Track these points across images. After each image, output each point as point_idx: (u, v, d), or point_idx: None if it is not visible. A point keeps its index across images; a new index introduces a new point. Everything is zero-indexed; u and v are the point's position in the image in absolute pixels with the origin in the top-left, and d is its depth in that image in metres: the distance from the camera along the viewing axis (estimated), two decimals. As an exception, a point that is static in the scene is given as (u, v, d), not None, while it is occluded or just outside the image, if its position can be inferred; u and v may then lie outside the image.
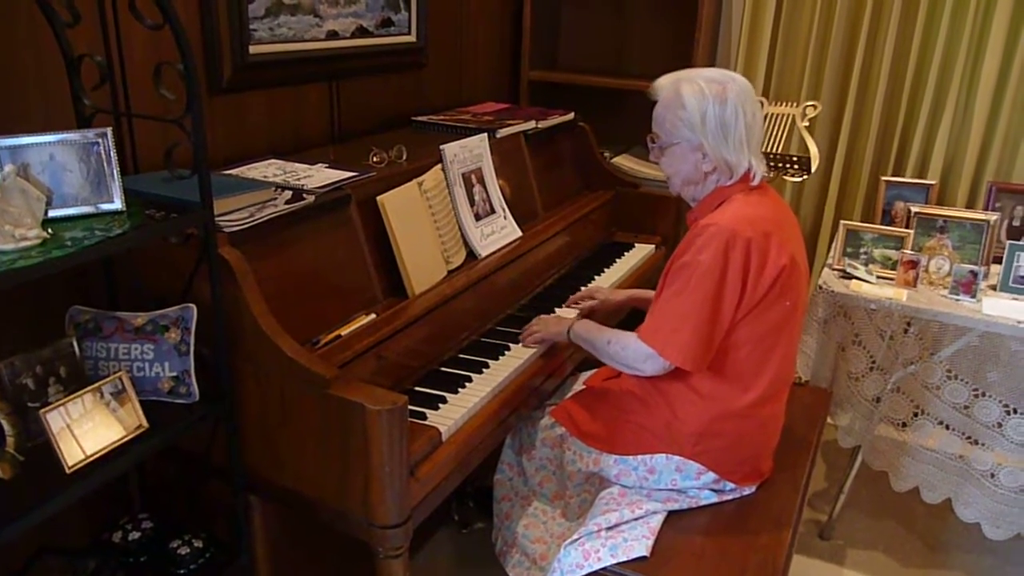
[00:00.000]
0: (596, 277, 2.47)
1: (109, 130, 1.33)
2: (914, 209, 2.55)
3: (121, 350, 1.46)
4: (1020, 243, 2.36)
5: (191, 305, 1.47)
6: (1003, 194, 2.65)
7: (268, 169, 1.90)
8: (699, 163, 1.72)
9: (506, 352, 1.96)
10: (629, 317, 2.32)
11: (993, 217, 2.45)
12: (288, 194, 1.71)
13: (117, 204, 1.36)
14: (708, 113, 1.66)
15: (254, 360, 1.50)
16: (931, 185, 2.73)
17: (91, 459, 1.31)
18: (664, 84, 1.74)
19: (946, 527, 2.64)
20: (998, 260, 2.40)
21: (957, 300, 2.29)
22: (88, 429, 1.33)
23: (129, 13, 1.34)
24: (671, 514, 1.75)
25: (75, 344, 1.41)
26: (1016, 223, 2.62)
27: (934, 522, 2.66)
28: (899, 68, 2.95)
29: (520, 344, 1.99)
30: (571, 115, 2.83)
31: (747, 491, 1.83)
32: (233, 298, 1.47)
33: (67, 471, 1.28)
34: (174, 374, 1.48)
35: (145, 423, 1.40)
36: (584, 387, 2.01)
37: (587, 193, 2.86)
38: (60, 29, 1.39)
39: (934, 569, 2.48)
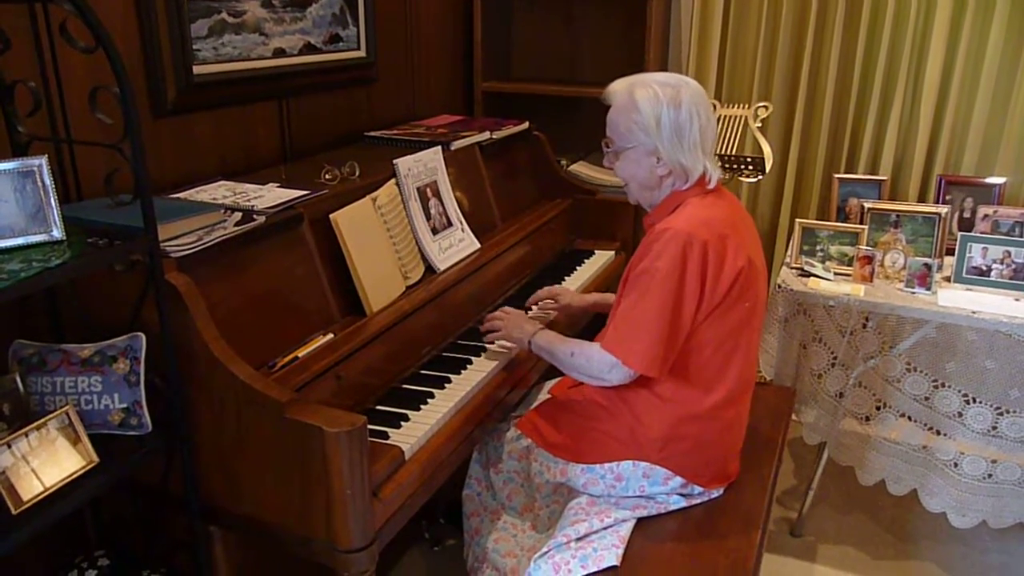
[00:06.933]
0: (557, 285, 2.45)
1: (44, 158, 1.30)
2: (867, 205, 2.59)
3: (68, 383, 1.42)
4: (971, 234, 2.40)
5: (139, 334, 1.43)
6: (952, 187, 2.70)
7: (218, 191, 1.86)
8: (654, 167, 1.72)
9: (468, 366, 1.94)
10: (591, 324, 2.32)
11: (944, 210, 2.50)
12: (238, 215, 1.67)
13: (56, 233, 1.32)
14: (663, 117, 1.67)
15: (208, 387, 1.46)
16: (883, 181, 2.77)
17: (39, 498, 1.27)
18: (618, 88, 1.74)
19: (913, 518, 2.67)
20: (951, 252, 2.44)
21: (913, 293, 2.32)
22: (35, 467, 1.29)
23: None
24: (641, 521, 1.75)
25: (19, 380, 1.37)
26: (967, 215, 2.67)
27: (902, 513, 2.69)
28: (846, 67, 2.99)
29: (483, 342, 1.98)
30: (526, 124, 2.82)
31: (715, 494, 1.83)
32: (183, 324, 1.43)
33: (13, 512, 1.23)
34: (124, 406, 1.43)
35: (95, 458, 1.35)
36: (549, 396, 2.00)
37: (545, 202, 2.85)
38: (-11, 56, 1.35)
39: (904, 560, 2.50)
